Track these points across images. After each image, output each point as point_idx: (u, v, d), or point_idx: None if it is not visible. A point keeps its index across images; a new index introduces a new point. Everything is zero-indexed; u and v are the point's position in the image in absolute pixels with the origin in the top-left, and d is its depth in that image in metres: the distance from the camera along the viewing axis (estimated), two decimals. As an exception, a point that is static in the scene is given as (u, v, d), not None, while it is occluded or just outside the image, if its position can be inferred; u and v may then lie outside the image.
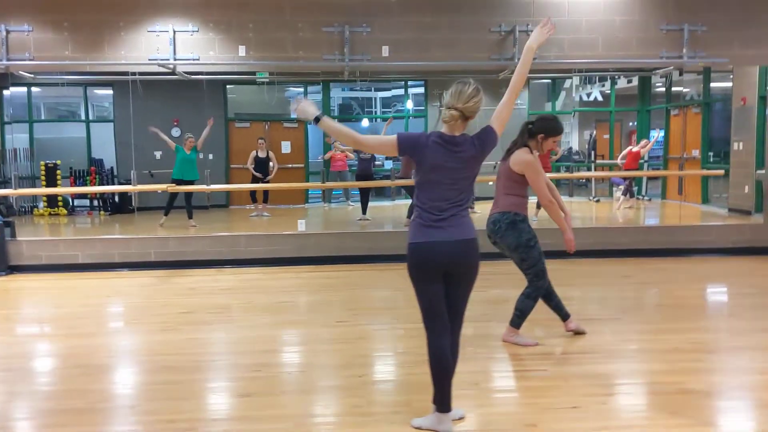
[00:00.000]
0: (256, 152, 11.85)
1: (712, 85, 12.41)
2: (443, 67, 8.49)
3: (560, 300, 4.84)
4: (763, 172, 8.67)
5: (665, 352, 4.58)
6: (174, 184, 9.65)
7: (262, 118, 14.62)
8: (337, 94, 22.49)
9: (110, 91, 13.68)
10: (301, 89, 15.37)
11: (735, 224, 9.35)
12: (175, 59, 7.90)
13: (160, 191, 9.62)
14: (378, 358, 4.76)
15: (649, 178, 14.39)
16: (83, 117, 14.13)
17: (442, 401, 3.25)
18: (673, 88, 14.01)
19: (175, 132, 11.64)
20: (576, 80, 17.04)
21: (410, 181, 8.15)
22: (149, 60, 7.90)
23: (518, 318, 4.68)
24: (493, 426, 3.46)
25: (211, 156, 13.39)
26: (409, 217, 9.28)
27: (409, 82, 15.66)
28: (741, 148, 10.55)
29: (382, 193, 14.30)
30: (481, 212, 9.81)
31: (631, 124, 16.23)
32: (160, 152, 12.00)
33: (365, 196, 11.24)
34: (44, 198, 12.56)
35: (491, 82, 9.13)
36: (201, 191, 9.50)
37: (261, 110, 15.16)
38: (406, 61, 8.19)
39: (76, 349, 4.89)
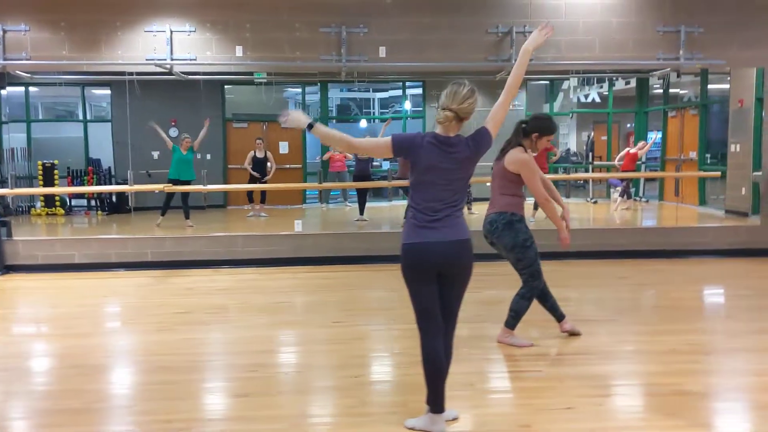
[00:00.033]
0: (254, 152, 11.85)
1: (710, 86, 12.43)
2: (440, 68, 8.48)
3: (556, 301, 4.84)
4: (759, 174, 8.68)
5: (661, 353, 4.58)
6: (171, 184, 9.66)
7: (260, 119, 14.62)
8: (335, 95, 22.51)
9: (108, 91, 13.68)
10: (299, 90, 15.39)
11: (731, 226, 9.37)
12: (172, 59, 7.89)
13: (157, 191, 9.62)
14: (374, 358, 4.76)
15: (647, 180, 14.41)
16: (81, 117, 14.12)
17: (436, 402, 3.26)
18: (671, 90, 14.04)
19: (173, 132, 11.63)
20: (574, 82, 17.09)
21: (408, 182, 8.15)
22: (146, 60, 7.89)
23: (513, 319, 4.68)
24: (487, 427, 3.46)
25: (208, 156, 13.38)
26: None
27: (407, 83, 15.66)
28: (738, 149, 10.56)
29: (379, 193, 14.30)
30: (478, 213, 9.83)
31: (629, 125, 16.26)
32: (158, 152, 12.00)
33: (363, 196, 11.24)
34: (41, 198, 12.55)
35: (488, 83, 9.14)
36: (198, 191, 9.50)
37: (259, 111, 15.15)
38: (403, 62, 8.19)
39: (72, 349, 4.89)
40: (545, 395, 3.82)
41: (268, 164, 11.88)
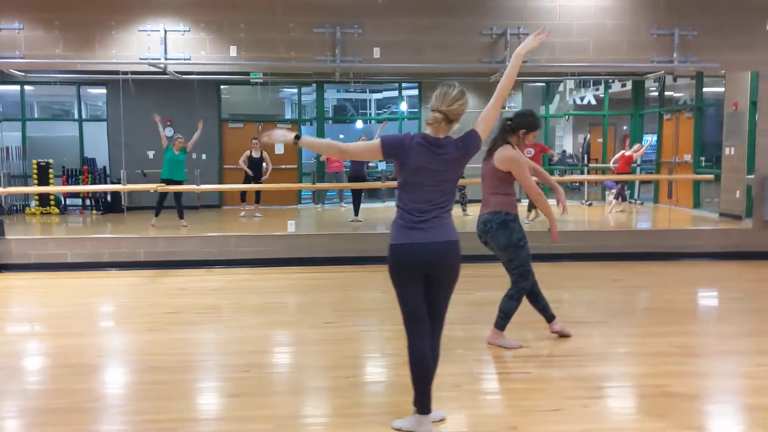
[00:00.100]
0: (250, 152, 11.84)
1: (705, 90, 12.45)
2: (434, 69, 8.48)
3: (547, 302, 4.85)
4: (753, 177, 8.70)
5: (651, 355, 4.59)
6: (164, 184, 9.64)
7: (256, 119, 14.62)
8: (332, 96, 22.51)
9: (104, 90, 13.66)
10: (295, 90, 15.38)
11: (724, 229, 9.38)
12: (166, 59, 7.89)
13: (152, 191, 9.60)
14: (366, 359, 4.76)
15: (642, 182, 14.43)
16: (76, 116, 14.10)
17: (422, 403, 3.26)
18: (666, 93, 14.06)
19: (168, 132, 11.63)
20: (570, 84, 17.11)
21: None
22: (140, 59, 7.88)
23: (502, 320, 4.69)
24: (474, 428, 3.46)
25: (204, 156, 13.37)
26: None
27: (404, 85, 15.68)
28: (732, 152, 10.57)
29: (374, 194, 14.31)
30: (473, 215, 9.83)
31: (624, 128, 16.28)
32: (153, 152, 11.98)
33: (357, 197, 11.24)
34: (36, 197, 12.52)
35: (483, 84, 9.16)
36: (191, 191, 9.49)
37: (255, 111, 15.15)
38: (398, 63, 8.19)
39: (64, 349, 4.88)
40: (533, 397, 3.82)
41: (264, 164, 11.87)
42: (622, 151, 12.34)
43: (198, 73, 8.91)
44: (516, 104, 14.21)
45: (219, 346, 5.04)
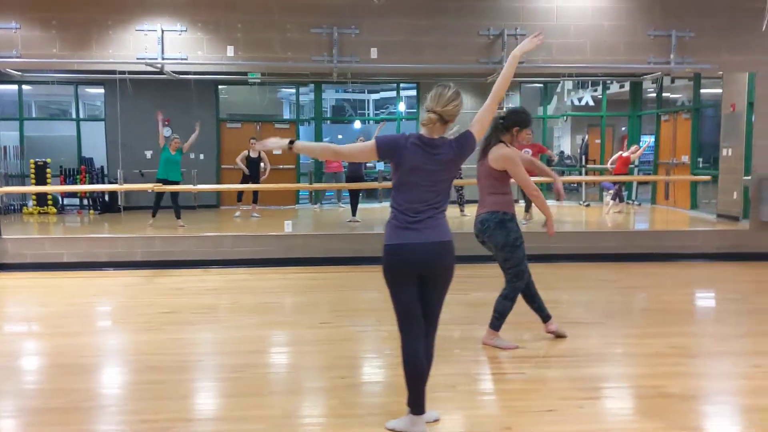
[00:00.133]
0: (248, 152, 11.84)
1: (703, 91, 12.46)
2: (431, 70, 8.48)
3: (543, 302, 4.86)
4: (749, 178, 8.71)
5: (648, 356, 4.59)
6: (160, 184, 9.64)
7: (254, 119, 14.62)
8: (330, 96, 22.53)
9: (102, 90, 13.65)
10: (293, 90, 15.38)
11: (721, 230, 9.40)
12: (163, 58, 7.88)
13: (149, 191, 9.60)
14: (362, 360, 4.76)
15: (639, 183, 14.45)
16: (74, 115, 14.09)
17: (416, 403, 3.25)
18: (664, 94, 14.07)
19: (166, 132, 11.63)
20: (568, 85, 17.12)
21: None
22: (137, 59, 7.87)
23: (497, 320, 4.69)
24: (468, 428, 3.46)
25: (202, 156, 13.38)
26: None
27: (402, 85, 15.69)
28: (730, 154, 10.59)
29: (372, 195, 14.31)
30: (471, 215, 9.82)
31: (623, 129, 16.29)
32: (151, 152, 11.99)
33: (355, 198, 11.25)
34: (33, 196, 12.51)
35: (480, 85, 9.17)
36: (188, 191, 9.48)
37: (253, 111, 15.16)
38: (395, 63, 8.18)
39: (61, 348, 4.88)
40: (528, 397, 3.82)
41: (262, 165, 11.87)
42: (620, 152, 12.36)
43: (195, 73, 8.90)
44: (514, 105, 14.23)
45: (215, 346, 5.03)
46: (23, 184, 12.93)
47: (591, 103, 16.90)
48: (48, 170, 12.50)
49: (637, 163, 13.44)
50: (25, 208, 12.65)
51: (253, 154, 11.80)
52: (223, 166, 13.77)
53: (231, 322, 5.67)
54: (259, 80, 12.71)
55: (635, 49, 8.18)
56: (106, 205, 12.74)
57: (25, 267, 7.91)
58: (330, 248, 8.37)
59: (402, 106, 16.79)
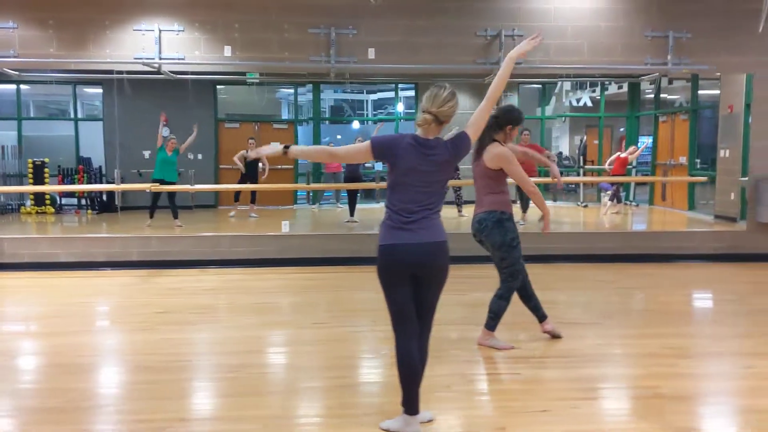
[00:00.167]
0: (247, 152, 11.82)
1: (701, 92, 12.48)
2: (429, 70, 8.49)
3: (539, 302, 4.86)
4: (746, 179, 8.72)
5: (643, 356, 4.59)
6: (158, 184, 9.63)
7: (252, 119, 14.63)
8: (328, 96, 22.53)
9: (100, 90, 13.65)
10: (292, 90, 15.39)
11: (718, 231, 9.40)
12: (160, 58, 7.89)
13: (147, 190, 9.59)
14: (358, 360, 4.76)
15: (637, 184, 14.46)
16: (72, 115, 14.09)
17: (410, 404, 3.25)
18: (662, 95, 14.08)
19: (165, 132, 11.64)
20: (567, 86, 17.14)
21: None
22: (134, 59, 7.87)
23: (492, 320, 4.69)
24: (462, 429, 3.46)
25: (200, 156, 13.39)
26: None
27: (400, 85, 15.69)
28: (727, 155, 10.60)
29: (370, 195, 14.32)
30: (468, 215, 9.83)
31: (621, 129, 16.31)
32: (149, 152, 11.99)
33: (353, 198, 11.25)
34: (31, 196, 12.50)
35: (477, 85, 9.17)
36: (185, 191, 9.47)
37: (251, 111, 15.16)
38: (392, 64, 8.18)
39: (57, 348, 4.88)
40: (523, 398, 3.82)
41: (260, 165, 11.86)
42: (618, 153, 12.37)
43: (193, 73, 8.90)
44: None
45: (212, 346, 5.03)
46: (21, 184, 12.93)
47: (589, 104, 16.92)
48: (46, 170, 12.49)
49: (635, 164, 13.45)
50: (22, 207, 12.64)
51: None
52: (221, 166, 13.78)
53: (228, 322, 5.67)
54: (257, 80, 12.72)
55: (632, 50, 8.19)
56: (104, 205, 12.74)
57: (22, 267, 7.90)
58: (327, 248, 8.38)
59: (400, 107, 16.80)
